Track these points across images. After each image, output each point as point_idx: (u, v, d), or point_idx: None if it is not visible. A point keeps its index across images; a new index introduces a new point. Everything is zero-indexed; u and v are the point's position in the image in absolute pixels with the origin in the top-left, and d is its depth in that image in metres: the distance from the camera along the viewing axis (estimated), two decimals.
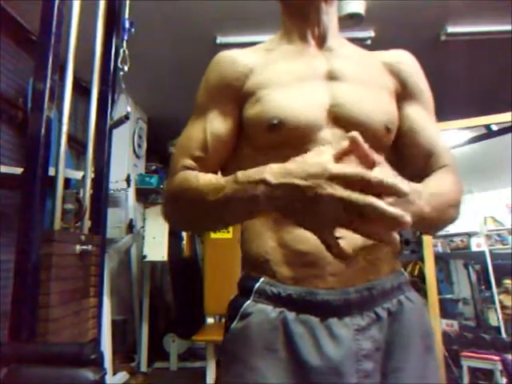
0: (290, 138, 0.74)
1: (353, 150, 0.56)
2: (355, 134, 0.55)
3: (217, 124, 0.81)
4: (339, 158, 0.56)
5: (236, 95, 0.81)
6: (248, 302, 0.74)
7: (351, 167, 0.54)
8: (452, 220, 0.76)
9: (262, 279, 0.74)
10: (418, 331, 0.74)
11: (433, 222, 0.69)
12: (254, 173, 0.62)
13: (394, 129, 0.81)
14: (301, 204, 0.56)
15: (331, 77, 0.80)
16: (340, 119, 0.76)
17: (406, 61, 0.87)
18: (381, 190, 0.51)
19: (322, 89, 0.79)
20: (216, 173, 0.82)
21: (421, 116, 0.84)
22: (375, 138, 0.76)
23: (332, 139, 0.74)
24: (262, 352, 0.70)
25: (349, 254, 0.56)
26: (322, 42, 0.85)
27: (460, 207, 0.77)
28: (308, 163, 0.56)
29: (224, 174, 0.84)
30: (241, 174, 0.64)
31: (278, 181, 0.58)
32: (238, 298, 0.77)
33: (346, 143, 0.56)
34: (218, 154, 0.81)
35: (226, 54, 0.85)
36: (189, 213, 0.76)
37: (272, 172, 0.59)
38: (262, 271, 0.75)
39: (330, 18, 0.85)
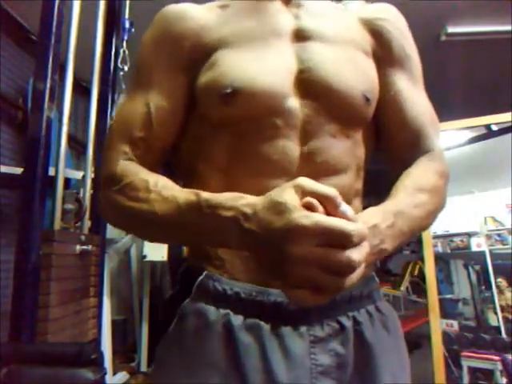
0: (249, 111, 0.61)
1: (326, 208, 0.46)
2: (335, 193, 0.46)
3: (163, 95, 0.66)
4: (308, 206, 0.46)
5: (185, 58, 0.66)
6: (186, 300, 0.61)
7: (326, 221, 0.44)
8: (430, 226, 0.66)
9: (205, 272, 0.61)
10: (390, 347, 0.64)
11: (401, 244, 0.59)
12: (224, 206, 0.51)
13: (374, 99, 0.68)
14: (271, 256, 0.46)
15: (299, 36, 0.66)
16: (310, 86, 0.63)
17: (388, 17, 0.73)
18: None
19: (287, 50, 0.65)
20: (163, 155, 0.69)
21: (407, 86, 0.71)
22: (352, 110, 0.65)
23: (300, 111, 0.62)
24: (199, 365, 0.57)
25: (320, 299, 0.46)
26: None
27: (442, 204, 0.67)
28: (273, 210, 0.46)
29: (174, 155, 0.72)
30: (206, 204, 0.52)
31: (248, 225, 0.48)
32: (178, 294, 0.64)
33: (322, 191, 0.46)
34: (165, 132, 0.66)
35: (172, 8, 0.69)
36: (136, 227, 0.65)
37: (244, 212, 0.49)
38: (208, 260, 0.62)
39: None
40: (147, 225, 0.60)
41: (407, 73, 0.71)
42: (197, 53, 0.65)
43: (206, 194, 0.53)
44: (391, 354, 0.63)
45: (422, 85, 0.73)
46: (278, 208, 0.46)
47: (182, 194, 0.55)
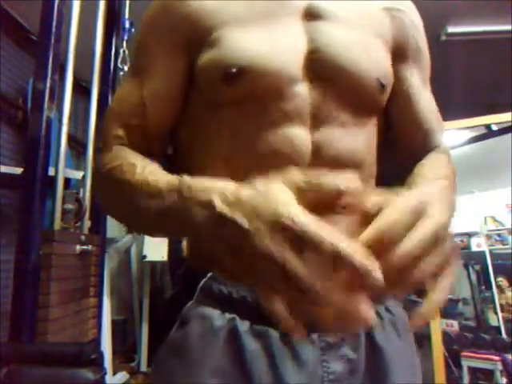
0: (254, 92, 0.57)
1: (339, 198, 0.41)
2: (351, 178, 0.42)
3: (160, 80, 0.62)
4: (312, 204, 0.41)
5: (185, 38, 0.61)
6: (189, 303, 0.57)
7: (317, 225, 0.38)
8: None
9: (209, 274, 0.57)
10: (400, 350, 0.61)
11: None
12: (202, 189, 0.47)
13: (389, 87, 0.64)
14: (237, 249, 0.42)
15: (311, 14, 0.61)
16: (320, 67, 0.59)
17: (406, 10, 0.69)
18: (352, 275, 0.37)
19: (297, 29, 0.60)
20: (161, 143, 0.66)
21: (418, 82, 0.69)
22: (365, 95, 0.61)
23: (309, 94, 0.58)
24: (203, 371, 0.54)
25: (297, 330, 0.40)
26: None
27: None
28: (263, 197, 0.41)
29: (175, 139, 0.68)
30: (187, 187, 0.48)
31: (222, 209, 0.43)
32: (179, 296, 0.61)
33: (329, 181, 0.41)
34: (162, 120, 0.63)
35: None
36: (122, 212, 0.62)
37: (222, 194, 0.44)
38: (210, 261, 0.55)
39: None
40: (130, 208, 0.56)
41: (419, 69, 0.70)
42: (198, 31, 0.60)
43: (188, 178, 0.49)
44: (402, 356, 0.60)
45: (428, 79, 0.73)
46: (272, 194, 0.41)
47: (165, 178, 0.52)
